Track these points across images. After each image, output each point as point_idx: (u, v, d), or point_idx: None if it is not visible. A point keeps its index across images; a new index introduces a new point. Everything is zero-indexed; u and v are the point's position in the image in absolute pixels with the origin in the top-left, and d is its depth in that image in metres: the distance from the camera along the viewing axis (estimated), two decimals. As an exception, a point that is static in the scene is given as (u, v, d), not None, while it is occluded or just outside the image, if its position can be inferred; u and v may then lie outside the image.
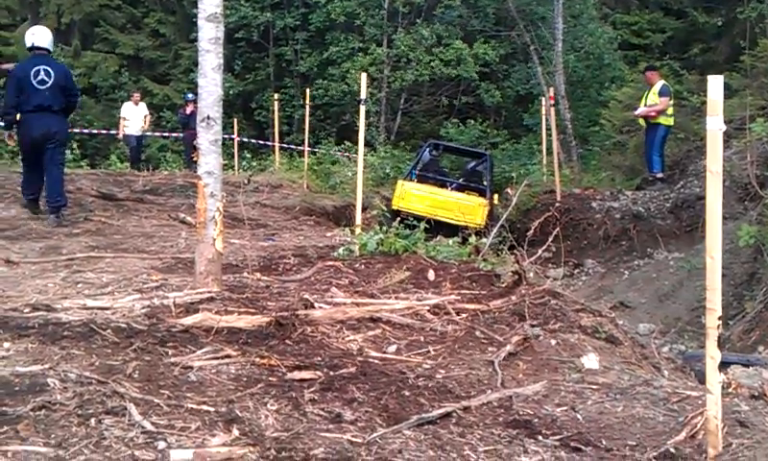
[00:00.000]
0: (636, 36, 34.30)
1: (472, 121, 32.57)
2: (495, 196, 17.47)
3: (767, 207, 11.26)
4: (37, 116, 10.45)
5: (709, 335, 4.03)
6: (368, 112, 28.71)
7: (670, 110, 16.11)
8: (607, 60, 29.97)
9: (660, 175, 16.28)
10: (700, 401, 4.60)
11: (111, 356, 4.77)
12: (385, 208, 14.88)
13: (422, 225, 9.81)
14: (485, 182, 18.06)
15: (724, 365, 4.61)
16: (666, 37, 33.94)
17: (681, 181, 15.87)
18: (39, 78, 10.44)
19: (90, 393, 4.11)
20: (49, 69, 10.53)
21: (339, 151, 25.69)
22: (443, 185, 17.87)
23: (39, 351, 4.75)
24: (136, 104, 22.32)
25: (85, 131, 28.34)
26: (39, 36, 10.84)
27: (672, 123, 16.34)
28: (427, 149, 19.46)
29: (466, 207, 16.31)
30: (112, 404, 4.00)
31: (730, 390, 5.40)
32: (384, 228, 9.64)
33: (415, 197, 16.87)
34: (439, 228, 13.76)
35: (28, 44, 10.85)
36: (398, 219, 11.34)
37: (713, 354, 4.02)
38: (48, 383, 4.19)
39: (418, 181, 17.59)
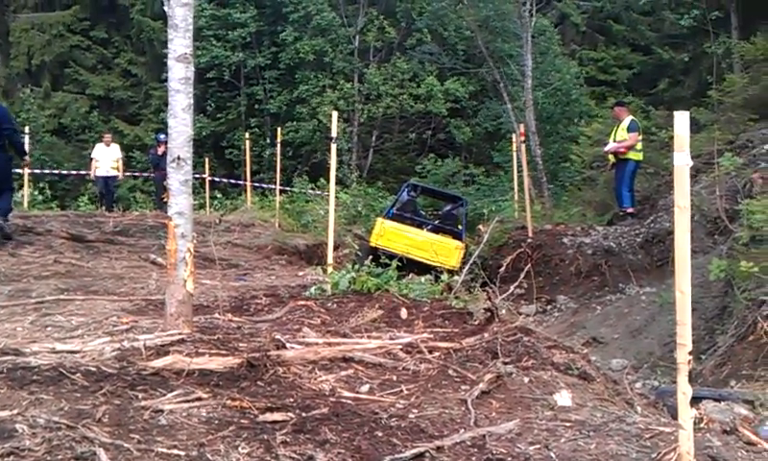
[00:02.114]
0: (603, 72, 34.71)
1: (449, 159, 32.71)
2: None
3: (737, 241, 11.35)
4: None
5: (681, 370, 4.04)
6: (339, 150, 28.78)
7: (639, 146, 16.25)
8: (574, 96, 30.22)
9: (630, 210, 16.39)
10: (672, 437, 4.61)
11: (81, 401, 4.71)
12: (357, 247, 14.88)
13: (395, 263, 9.81)
14: (460, 226, 18.12)
15: (696, 400, 4.62)
16: (633, 73, 34.36)
17: (651, 215, 15.97)
18: None
19: (59, 438, 4.05)
20: None
21: (311, 189, 25.73)
22: (419, 226, 17.90)
23: (8, 397, 4.69)
24: (108, 145, 22.25)
25: (55, 172, 28.22)
26: None
27: (641, 158, 16.47)
28: (406, 189, 19.53)
29: (442, 249, 16.35)
30: (82, 450, 3.95)
31: (702, 425, 5.41)
32: (356, 266, 9.63)
33: (393, 235, 16.89)
34: (411, 266, 13.75)
35: None
36: (371, 257, 11.33)
37: (685, 390, 4.03)
38: (17, 429, 4.13)
39: (395, 221, 17.62)
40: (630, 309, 13.17)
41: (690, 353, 4.03)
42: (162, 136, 20.09)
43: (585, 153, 22.82)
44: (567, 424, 5.14)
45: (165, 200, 6.78)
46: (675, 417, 4.52)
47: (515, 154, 19.40)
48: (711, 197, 13.87)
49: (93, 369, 5.27)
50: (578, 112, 30.42)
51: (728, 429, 5.33)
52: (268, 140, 34.06)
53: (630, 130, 16.10)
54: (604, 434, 4.98)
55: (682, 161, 4.07)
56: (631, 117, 16.62)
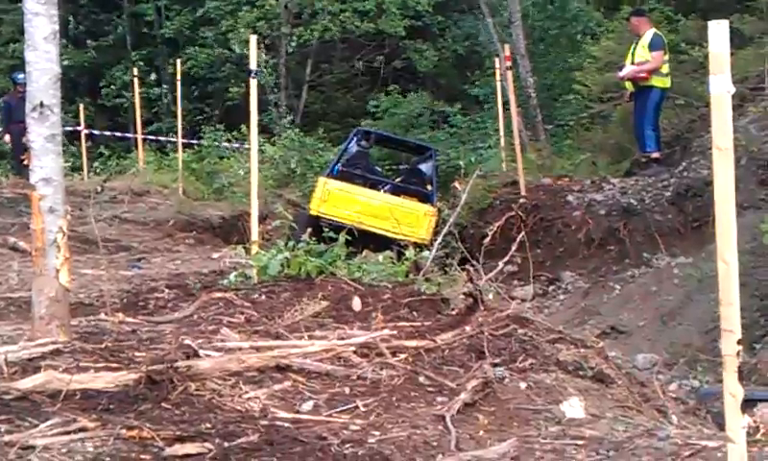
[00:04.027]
0: (613, -30, 34.62)
1: (411, 94, 32.47)
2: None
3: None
4: None
5: (727, 365, 4.08)
6: (262, 88, 28.61)
7: (665, 68, 16.31)
8: (572, 10, 30.08)
9: (655, 154, 16.47)
10: (720, 454, 4.68)
11: None
12: (291, 217, 14.87)
13: (343, 237, 9.80)
14: (429, 185, 18.10)
15: (749, 403, 4.68)
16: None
17: (683, 161, 16.05)
18: None
19: None
20: None
21: (226, 141, 25.59)
22: (374, 186, 17.87)
23: None
24: (-57, 92, 22.10)
25: None
26: None
27: (668, 85, 16.52)
28: (355, 138, 19.43)
29: (406, 216, 16.32)
30: (-75, 505, 3.94)
31: (758, 436, 5.49)
32: (291, 243, 9.61)
33: (340, 200, 16.81)
34: (365, 241, 13.76)
35: None
36: (311, 230, 11.33)
37: (734, 390, 4.07)
38: None
39: (342, 180, 17.54)
40: (659, 287, 13.27)
41: (740, 343, 4.06)
42: (20, 76, 19.90)
43: (592, 80, 22.84)
44: (580, 443, 5.20)
45: (26, 162, 6.72)
46: (722, 427, 4.58)
47: (498, 85, 19.39)
48: (763, 134, 13.98)
49: (-64, 395, 5.24)
50: (580, 29, 30.37)
51: (792, 440, 5.41)
52: (161, 76, 33.74)
53: (652, 47, 16.15)
54: (629, 453, 5.04)
55: (721, 88, 4.09)
56: (653, 31, 16.65)
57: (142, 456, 4.68)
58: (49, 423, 4.99)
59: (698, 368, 10.71)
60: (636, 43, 16.52)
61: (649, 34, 16.40)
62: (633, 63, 16.42)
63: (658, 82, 16.21)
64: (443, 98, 33.01)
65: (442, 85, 35.35)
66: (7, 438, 4.74)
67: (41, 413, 5.12)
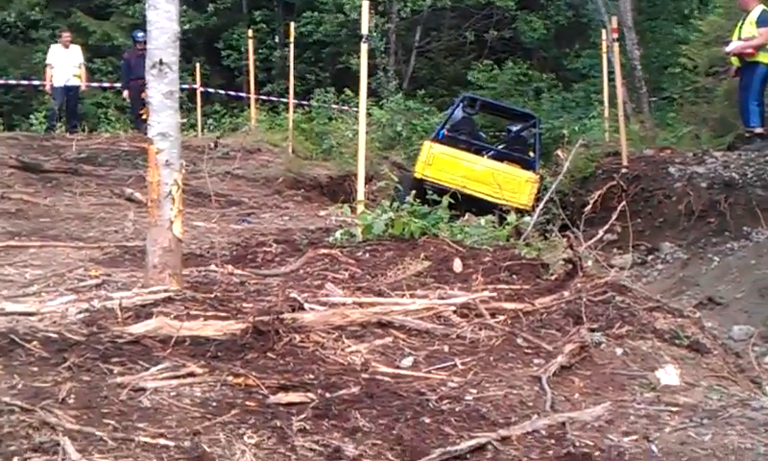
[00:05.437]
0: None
1: (510, 63, 32.22)
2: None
3: None
4: None
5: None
6: (372, 52, 28.60)
7: (772, 45, 16.03)
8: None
9: (759, 129, 16.19)
10: (814, 426, 4.61)
11: (39, 376, 4.77)
12: (396, 179, 14.89)
13: (446, 200, 9.79)
14: (532, 153, 18.00)
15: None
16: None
17: (787, 137, 15.79)
18: None
19: (12, 424, 4.10)
20: None
21: (336, 103, 25.66)
22: (478, 152, 17.83)
23: (-56, 371, 4.76)
24: (66, 47, 22.33)
25: (-1, 81, 28.34)
26: None
27: (775, 61, 16.26)
28: (460, 104, 19.39)
29: (508, 182, 16.26)
30: (41, 439, 3.99)
31: None
32: (395, 204, 9.63)
33: (444, 164, 16.80)
34: (468, 204, 13.72)
35: None
36: (415, 192, 11.33)
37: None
38: (-44, 413, 4.19)
39: (447, 145, 17.53)
40: (757, 260, 13.05)
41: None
42: (140, 35, 20.13)
43: (698, 55, 22.50)
44: (674, 409, 5.15)
45: (144, 117, 6.80)
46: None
47: (604, 56, 19.18)
48: None
49: (54, 336, 5.32)
50: (688, 4, 29.93)
51: None
52: (278, 39, 33.89)
53: (760, 23, 15.85)
54: (722, 422, 4.98)
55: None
56: (762, 7, 16.34)
57: (247, 403, 4.72)
58: (159, 367, 5.06)
59: (794, 341, 10.55)
60: (744, 19, 16.22)
61: (757, 10, 16.09)
62: (740, 39, 16.14)
63: (764, 57, 15.92)
64: (547, 69, 32.78)
65: (546, 56, 35.07)
66: (119, 380, 4.82)
67: (152, 357, 5.20)
